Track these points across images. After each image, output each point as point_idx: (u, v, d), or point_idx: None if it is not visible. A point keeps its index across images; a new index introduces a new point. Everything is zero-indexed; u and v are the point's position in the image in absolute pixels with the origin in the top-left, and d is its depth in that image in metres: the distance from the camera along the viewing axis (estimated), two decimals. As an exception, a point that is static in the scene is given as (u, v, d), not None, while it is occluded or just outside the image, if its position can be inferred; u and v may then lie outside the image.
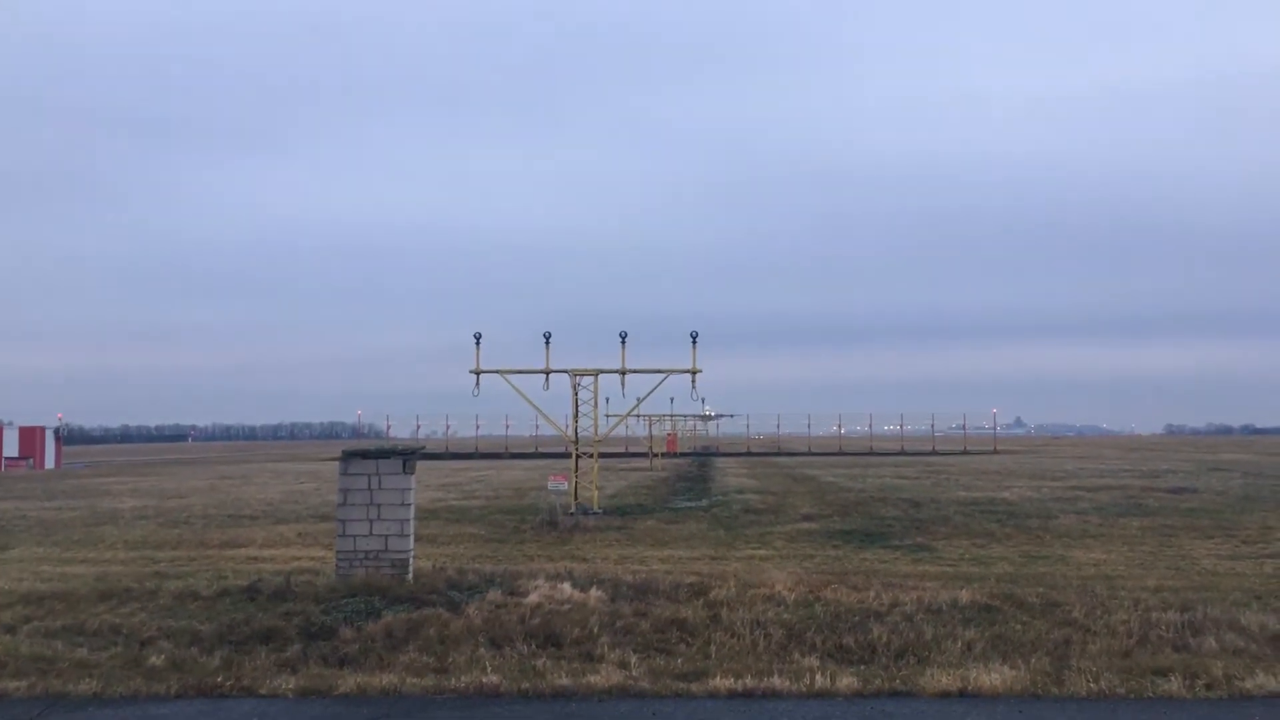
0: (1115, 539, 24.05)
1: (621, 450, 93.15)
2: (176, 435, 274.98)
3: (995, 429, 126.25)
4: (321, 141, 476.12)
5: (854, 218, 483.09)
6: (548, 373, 31.30)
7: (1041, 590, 14.82)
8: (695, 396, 33.52)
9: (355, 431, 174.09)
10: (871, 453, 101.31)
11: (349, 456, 16.02)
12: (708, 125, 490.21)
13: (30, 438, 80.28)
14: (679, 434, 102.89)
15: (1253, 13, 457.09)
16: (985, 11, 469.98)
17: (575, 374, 31.87)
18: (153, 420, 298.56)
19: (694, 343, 31.25)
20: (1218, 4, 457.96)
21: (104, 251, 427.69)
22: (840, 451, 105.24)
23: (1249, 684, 9.88)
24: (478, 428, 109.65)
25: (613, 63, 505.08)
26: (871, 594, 13.95)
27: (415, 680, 10.28)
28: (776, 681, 10.02)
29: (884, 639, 11.56)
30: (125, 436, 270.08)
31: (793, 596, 13.86)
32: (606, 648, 11.36)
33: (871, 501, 35.48)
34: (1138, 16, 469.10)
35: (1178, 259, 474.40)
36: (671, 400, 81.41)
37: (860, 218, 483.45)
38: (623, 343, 31.28)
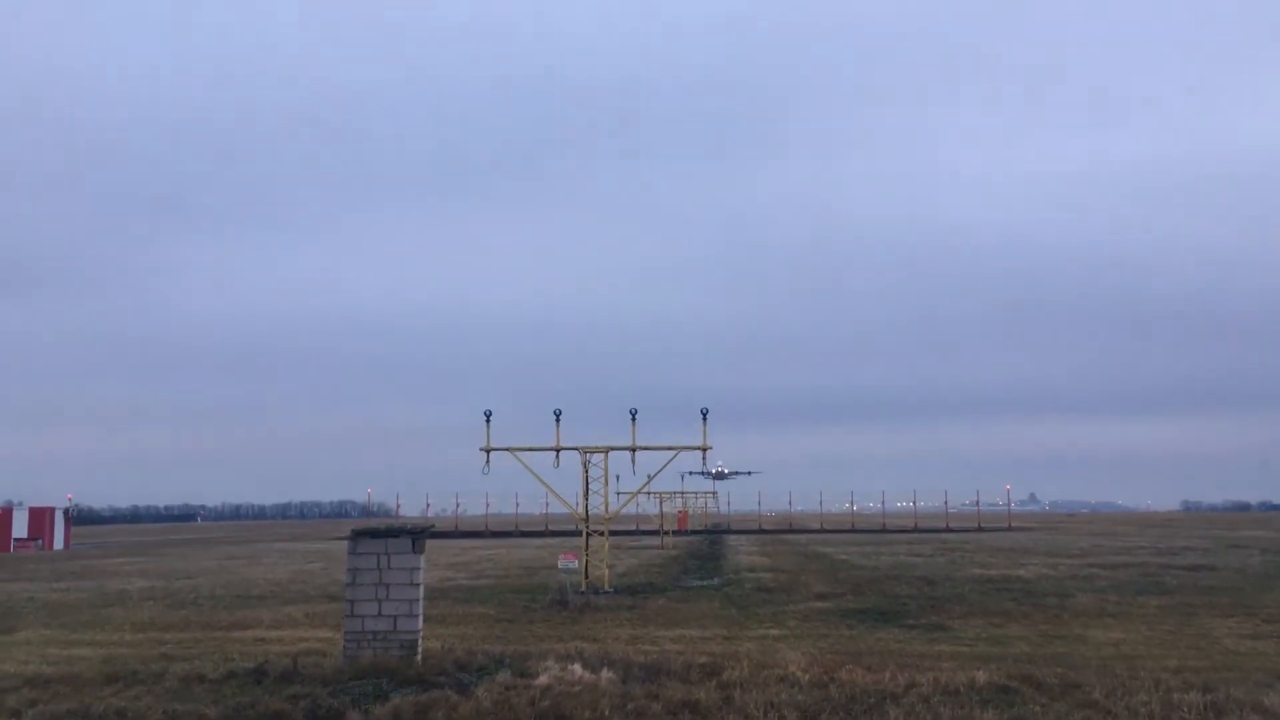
0: (1134, 618, 23.69)
1: (632, 528, 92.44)
2: (186, 515, 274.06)
3: (1009, 505, 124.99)
4: (330, 221, 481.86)
5: (862, 294, 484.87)
6: (558, 450, 31.26)
7: (1060, 671, 14.58)
8: (706, 472, 33.52)
9: (365, 510, 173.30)
10: (884, 529, 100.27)
11: (357, 536, 15.96)
12: (716, 203, 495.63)
13: (40, 519, 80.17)
14: (690, 511, 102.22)
15: (1250, 90, 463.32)
16: (985, 91, 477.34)
17: (586, 451, 31.82)
18: (162, 500, 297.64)
19: (704, 419, 31.24)
20: (1212, 82, 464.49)
21: (113, 331, 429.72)
22: (853, 528, 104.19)
23: (1276, 768, 9.65)
24: (487, 506, 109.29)
25: (620, 142, 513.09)
26: (887, 675, 13.73)
27: (423, 765, 10.11)
28: (791, 766, 9.82)
29: (900, 721, 11.34)
30: (135, 517, 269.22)
31: (807, 677, 13.65)
32: (617, 731, 11.17)
33: (885, 580, 35.07)
34: (1138, 95, 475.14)
35: (1191, 334, 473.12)
36: (683, 477, 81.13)
37: (868, 294, 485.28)
38: (633, 420, 31.31)
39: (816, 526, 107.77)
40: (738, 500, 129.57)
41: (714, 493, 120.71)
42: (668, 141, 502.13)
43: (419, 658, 15.22)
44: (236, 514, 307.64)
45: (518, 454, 31.62)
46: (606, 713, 11.83)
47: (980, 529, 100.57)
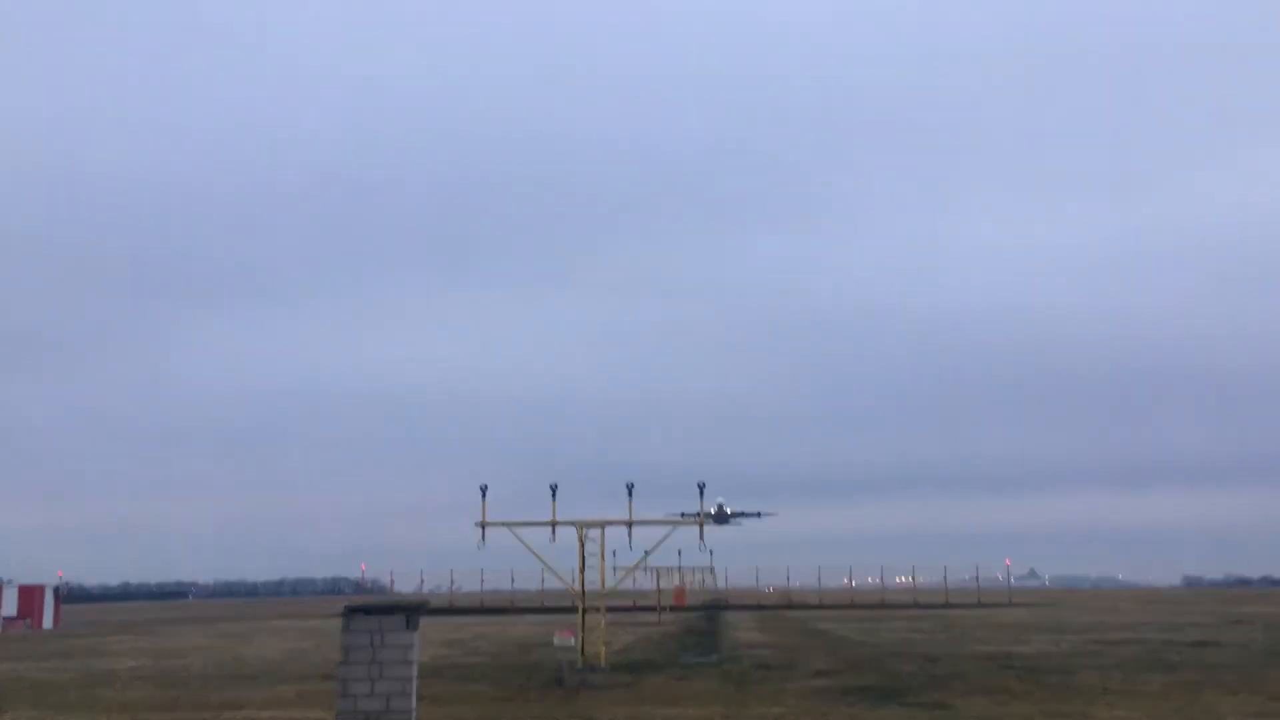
0: (1139, 695, 23.37)
1: (629, 604, 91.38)
2: (177, 592, 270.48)
3: (1009, 581, 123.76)
4: (323, 295, 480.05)
5: (862, 368, 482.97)
6: (554, 525, 31.08)
7: (1064, 750, 14.36)
8: (704, 548, 33.41)
9: (358, 587, 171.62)
10: (884, 605, 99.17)
11: (351, 613, 15.79)
12: (714, 275, 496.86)
13: (29, 597, 79.18)
14: (687, 586, 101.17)
15: (1256, 164, 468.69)
16: (991, 165, 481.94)
17: (582, 526, 31.62)
18: (153, 577, 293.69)
19: (701, 494, 31.16)
20: (1224, 156, 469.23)
21: (103, 406, 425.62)
22: (852, 604, 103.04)
23: None
24: (482, 582, 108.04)
25: (617, 214, 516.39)
26: (888, 754, 13.53)
27: None
28: None
29: (903, 803, 11.15)
30: (125, 594, 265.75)
31: (807, 757, 13.44)
32: (615, 813, 10.96)
33: (886, 656, 34.64)
34: (1143, 168, 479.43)
35: (1191, 408, 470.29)
36: (679, 552, 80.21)
37: (869, 368, 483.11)
38: (629, 494, 31.16)
39: (815, 602, 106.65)
40: (735, 576, 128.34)
41: (711, 569, 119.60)
42: (668, 215, 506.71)
43: (412, 738, 14.95)
44: (229, 591, 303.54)
45: (514, 529, 31.44)
46: (603, 794, 11.62)
47: (980, 604, 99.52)
